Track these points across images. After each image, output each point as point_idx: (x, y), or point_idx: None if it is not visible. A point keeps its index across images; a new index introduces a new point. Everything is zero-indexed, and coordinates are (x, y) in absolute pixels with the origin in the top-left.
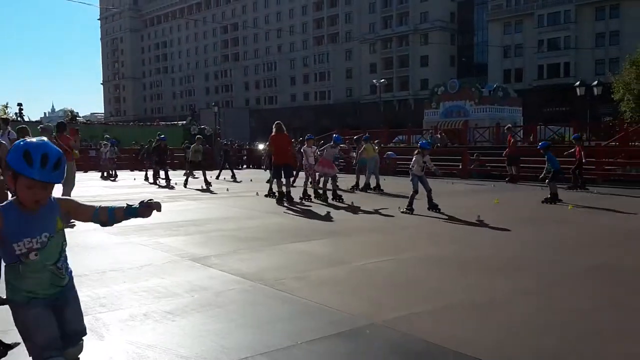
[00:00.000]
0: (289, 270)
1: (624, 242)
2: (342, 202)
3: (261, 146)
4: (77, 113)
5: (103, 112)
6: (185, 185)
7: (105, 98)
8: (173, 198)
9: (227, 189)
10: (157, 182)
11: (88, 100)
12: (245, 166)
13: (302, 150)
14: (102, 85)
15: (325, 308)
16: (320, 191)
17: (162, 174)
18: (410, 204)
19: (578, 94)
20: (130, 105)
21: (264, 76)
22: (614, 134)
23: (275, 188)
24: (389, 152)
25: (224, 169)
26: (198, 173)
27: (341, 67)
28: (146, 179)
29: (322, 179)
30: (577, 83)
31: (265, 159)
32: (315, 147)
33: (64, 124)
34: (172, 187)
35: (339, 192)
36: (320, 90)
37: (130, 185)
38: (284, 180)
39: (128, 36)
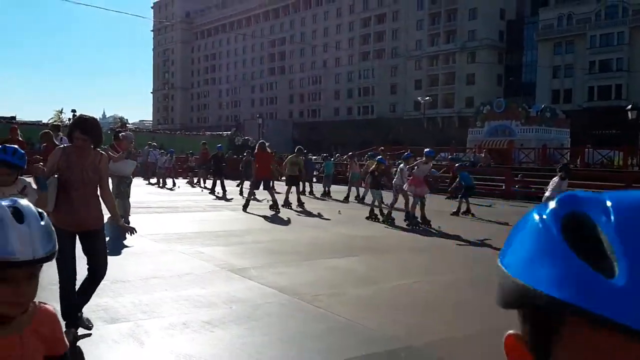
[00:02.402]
0: (324, 286)
1: None
2: (430, 227)
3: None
4: (127, 120)
5: (151, 119)
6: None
7: (154, 106)
8: (215, 207)
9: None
10: (216, 192)
11: (138, 107)
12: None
13: (398, 169)
14: (151, 94)
15: (359, 327)
16: (400, 214)
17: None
18: None
19: (630, 117)
20: (177, 114)
21: (309, 90)
22: None
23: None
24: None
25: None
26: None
27: (386, 83)
28: (212, 189)
29: (410, 201)
30: (629, 107)
31: (243, 169)
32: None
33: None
34: (230, 199)
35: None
36: (364, 105)
37: (175, 193)
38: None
39: (179, 48)
